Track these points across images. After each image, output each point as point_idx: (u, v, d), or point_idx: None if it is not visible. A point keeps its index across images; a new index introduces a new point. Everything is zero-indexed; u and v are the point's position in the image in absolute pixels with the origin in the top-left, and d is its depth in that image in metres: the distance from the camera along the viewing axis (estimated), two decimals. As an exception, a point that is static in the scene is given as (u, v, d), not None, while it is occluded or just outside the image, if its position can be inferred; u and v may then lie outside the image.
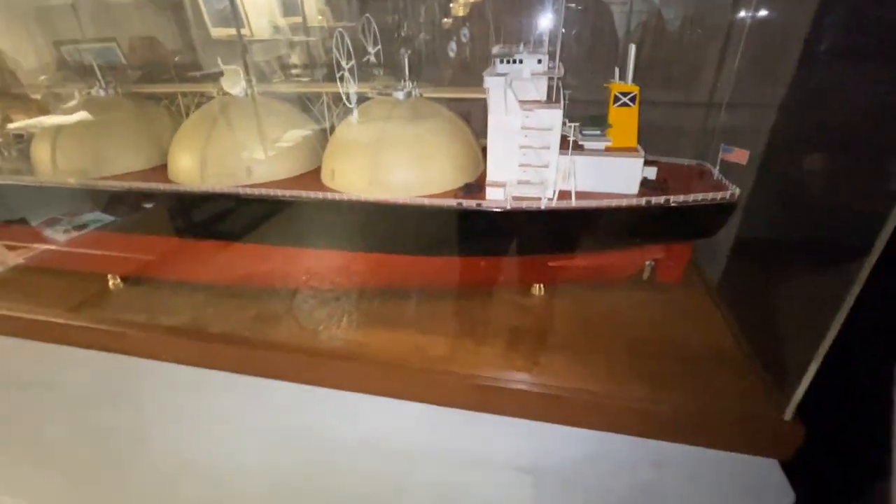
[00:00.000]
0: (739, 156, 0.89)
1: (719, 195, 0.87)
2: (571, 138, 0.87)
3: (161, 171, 1.14)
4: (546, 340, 0.99)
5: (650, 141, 1.13)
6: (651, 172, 0.94)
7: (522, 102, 0.82)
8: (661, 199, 0.86)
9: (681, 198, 0.86)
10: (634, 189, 0.88)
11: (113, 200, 1.15)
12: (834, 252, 0.74)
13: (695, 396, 0.84)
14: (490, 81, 0.80)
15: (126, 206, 1.13)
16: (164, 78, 1.31)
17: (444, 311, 1.07)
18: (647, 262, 1.05)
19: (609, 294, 1.09)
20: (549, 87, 0.87)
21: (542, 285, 1.10)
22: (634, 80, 0.90)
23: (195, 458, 1.18)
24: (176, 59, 1.32)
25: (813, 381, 0.76)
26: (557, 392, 0.87)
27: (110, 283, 1.21)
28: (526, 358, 0.94)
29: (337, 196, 0.95)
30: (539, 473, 0.91)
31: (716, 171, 0.95)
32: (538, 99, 0.85)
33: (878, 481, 0.69)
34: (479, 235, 0.91)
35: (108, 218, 1.25)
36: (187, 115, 1.25)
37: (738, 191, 0.88)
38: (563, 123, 0.86)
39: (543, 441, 0.90)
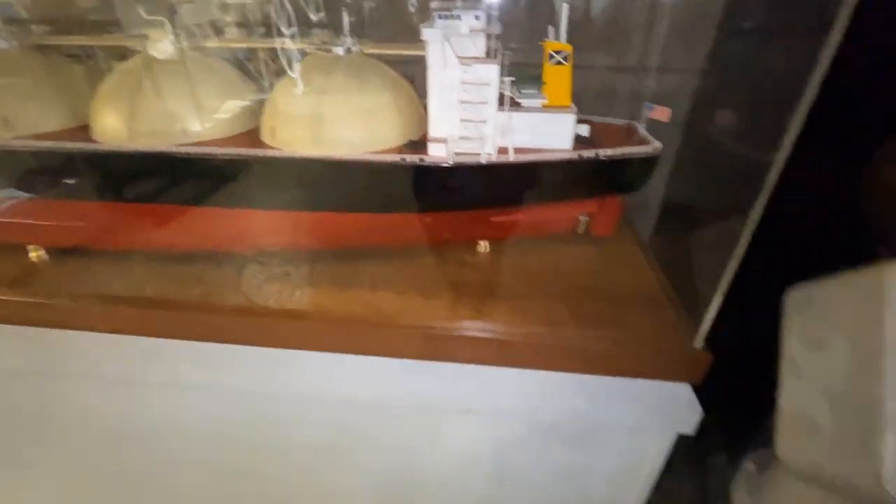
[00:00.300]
0: (662, 113, 0.96)
1: (643, 150, 0.95)
2: (508, 95, 0.91)
3: (80, 131, 1.06)
4: (491, 292, 1.04)
5: (586, 103, 1.19)
6: (584, 130, 1.00)
7: (461, 58, 0.84)
8: (592, 154, 0.92)
9: (609, 151, 0.92)
10: (568, 144, 0.93)
11: (25, 163, 1.06)
12: (735, 199, 0.84)
13: (622, 334, 0.93)
14: (428, 34, 0.82)
15: (42, 169, 1.05)
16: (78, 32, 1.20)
17: (394, 270, 1.09)
18: (582, 217, 1.13)
19: (549, 248, 1.16)
20: (488, 46, 0.89)
21: (486, 242, 1.15)
22: (571, 43, 0.94)
23: (140, 427, 1.16)
24: (91, 14, 1.21)
25: (718, 314, 0.88)
26: (501, 336, 0.92)
27: (32, 255, 1.13)
28: (472, 308, 0.99)
29: (278, 153, 0.94)
30: (485, 412, 0.99)
31: (642, 129, 1.02)
32: (476, 55, 0.87)
33: (766, 392, 0.82)
34: (424, 192, 0.94)
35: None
36: (109, 71, 1.16)
37: (660, 145, 0.96)
38: (501, 81, 0.90)
39: (489, 383, 0.96)
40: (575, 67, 1.01)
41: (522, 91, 0.97)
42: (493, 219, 1.05)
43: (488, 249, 1.16)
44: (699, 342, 0.87)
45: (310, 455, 1.16)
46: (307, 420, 1.09)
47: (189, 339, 1.01)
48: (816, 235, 1.03)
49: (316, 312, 0.98)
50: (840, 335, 0.67)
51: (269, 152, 0.93)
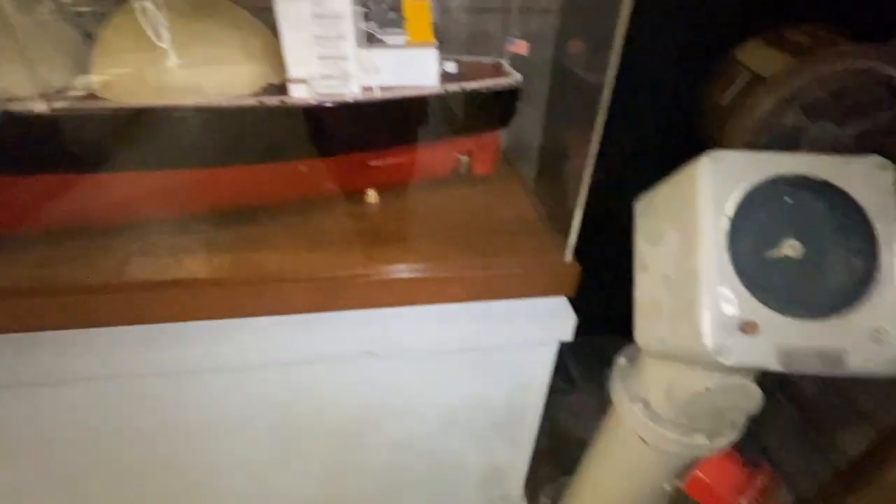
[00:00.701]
0: (521, 46, 1.01)
1: (504, 81, 0.99)
2: (365, 29, 0.88)
3: None
4: (380, 238, 1.04)
5: (457, 44, 1.20)
6: (452, 67, 1.02)
7: (310, -11, 0.80)
8: (457, 87, 0.94)
9: (473, 84, 0.96)
10: (435, 81, 0.94)
11: None
12: (587, 122, 0.92)
13: (504, 260, 0.99)
14: (269, -37, 0.76)
15: None
16: None
17: (280, 228, 1.04)
18: (462, 158, 1.17)
19: (434, 191, 1.18)
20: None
21: (375, 192, 1.15)
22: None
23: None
24: None
25: (581, 229, 0.97)
26: (391, 278, 0.94)
27: None
28: (362, 255, 0.99)
29: (113, 105, 0.83)
30: (387, 355, 1.01)
31: (507, 65, 1.07)
32: (328, -12, 0.84)
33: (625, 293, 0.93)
34: (290, 138, 0.90)
35: None
36: None
37: (520, 77, 1.02)
38: (366, 18, 0.87)
39: (388, 326, 0.98)
40: (444, 8, 1.02)
41: (384, 28, 0.95)
42: (371, 164, 1.03)
43: (377, 199, 1.15)
44: (568, 256, 0.96)
45: (214, 431, 1.11)
46: (207, 395, 1.04)
47: (51, 328, 0.89)
48: (660, 152, 1.17)
49: (194, 280, 0.91)
50: (670, 226, 0.78)
51: (103, 104, 0.82)
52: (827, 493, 1.28)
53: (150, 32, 0.82)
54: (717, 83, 1.22)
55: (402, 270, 0.95)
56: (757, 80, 1.07)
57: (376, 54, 0.91)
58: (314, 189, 1.05)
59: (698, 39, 1.28)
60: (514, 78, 0.99)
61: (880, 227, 0.66)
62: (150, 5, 0.83)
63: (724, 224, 0.67)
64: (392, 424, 1.18)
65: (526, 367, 1.05)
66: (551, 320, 0.97)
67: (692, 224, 0.70)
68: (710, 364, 0.69)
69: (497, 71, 1.06)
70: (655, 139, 1.47)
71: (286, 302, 0.94)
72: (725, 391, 0.80)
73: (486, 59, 1.12)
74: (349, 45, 0.84)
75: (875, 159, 0.68)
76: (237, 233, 1.02)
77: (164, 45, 0.83)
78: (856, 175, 0.68)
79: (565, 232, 0.99)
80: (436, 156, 1.10)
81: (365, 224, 1.10)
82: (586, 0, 1.14)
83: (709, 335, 0.65)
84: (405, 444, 1.24)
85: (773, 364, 0.64)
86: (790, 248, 0.69)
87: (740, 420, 0.89)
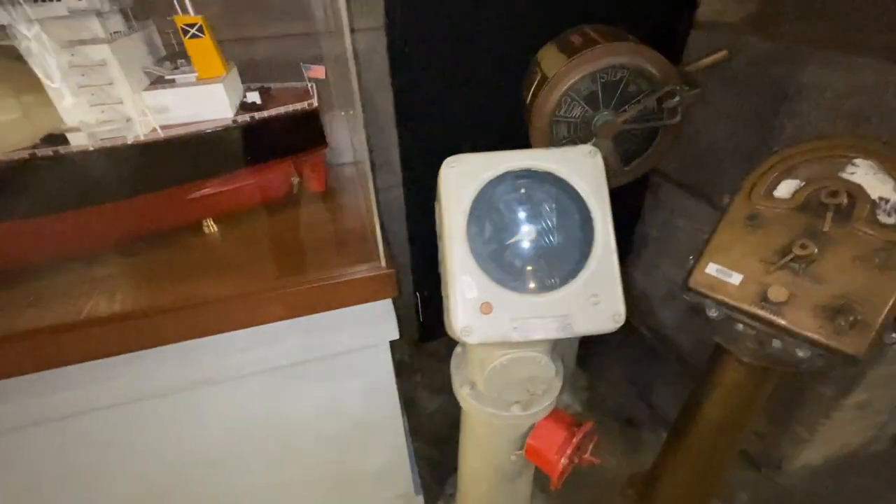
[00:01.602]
0: (317, 72, 1.07)
1: (299, 106, 1.05)
2: (148, 72, 0.92)
3: None
4: (215, 265, 1.07)
5: (270, 71, 1.24)
6: (255, 97, 1.06)
7: (70, 41, 0.82)
8: (247, 117, 0.99)
9: (265, 113, 1.01)
10: (228, 112, 0.98)
11: None
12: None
13: (329, 272, 1.04)
14: (12, 21, 0.78)
15: None
16: None
17: (111, 269, 1.05)
18: (294, 179, 1.22)
19: (273, 214, 1.23)
20: (106, 24, 0.88)
21: (211, 221, 1.17)
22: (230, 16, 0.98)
23: None
24: None
25: (384, 236, 1.05)
26: (227, 302, 0.97)
27: None
28: (206, 280, 1.01)
29: None
30: (231, 379, 1.04)
31: (310, 88, 1.12)
32: (95, 36, 0.86)
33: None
34: (79, 184, 0.91)
35: None
36: None
37: (315, 102, 1.08)
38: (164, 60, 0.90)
39: (228, 351, 1.02)
40: (265, 38, 1.06)
41: (180, 67, 0.98)
42: (192, 196, 1.06)
43: (216, 229, 1.18)
44: (383, 262, 1.03)
45: (96, 474, 1.09)
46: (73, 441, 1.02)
47: None
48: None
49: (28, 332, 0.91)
50: (440, 227, 0.86)
51: None
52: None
53: None
54: (524, 84, 1.34)
55: (237, 295, 0.98)
56: (544, 80, 1.19)
57: (165, 94, 0.94)
58: (138, 227, 1.06)
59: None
60: (307, 103, 1.05)
61: (593, 207, 0.77)
62: None
63: (462, 220, 0.76)
64: (266, 444, 1.21)
65: (367, 368, 1.11)
66: (377, 323, 1.04)
67: (442, 222, 0.78)
68: (500, 344, 0.77)
69: (305, 95, 1.12)
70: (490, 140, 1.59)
71: (100, 346, 0.95)
72: (519, 363, 0.89)
73: (299, 85, 1.17)
74: (123, 89, 0.87)
75: (584, 148, 0.79)
76: (74, 278, 1.02)
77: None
78: (572, 163, 0.79)
79: (386, 240, 1.07)
80: (263, 180, 1.14)
81: (205, 253, 1.12)
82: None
83: (458, 319, 0.73)
84: (286, 459, 1.27)
85: (513, 336, 0.73)
86: (526, 233, 0.78)
87: (543, 388, 0.99)
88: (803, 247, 0.80)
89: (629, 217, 2.16)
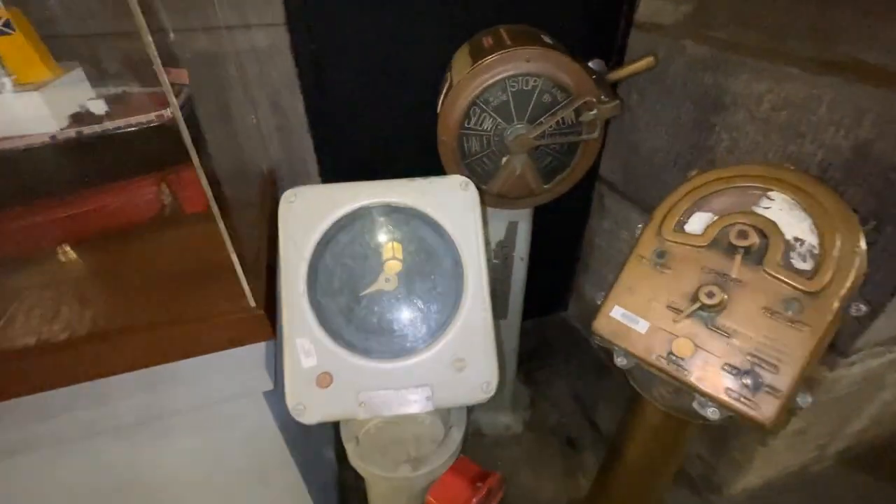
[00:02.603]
0: (179, 75, 0.92)
1: (144, 118, 0.89)
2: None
3: None
4: (77, 300, 0.91)
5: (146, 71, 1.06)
6: (99, 106, 0.89)
7: None
8: (72, 132, 0.83)
9: (97, 127, 0.85)
10: (53, 125, 0.82)
11: None
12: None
13: (197, 312, 0.89)
14: None
15: None
16: None
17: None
18: (165, 198, 1.06)
19: (136, 240, 1.06)
20: None
21: (66, 247, 1.00)
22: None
23: None
24: None
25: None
26: (70, 353, 0.82)
27: None
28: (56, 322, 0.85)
29: None
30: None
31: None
32: None
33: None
34: None
35: None
36: None
37: (168, 112, 0.92)
38: None
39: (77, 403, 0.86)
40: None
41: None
42: (29, 221, 0.89)
43: (73, 255, 1.01)
44: (251, 301, 0.88)
45: None
46: None
47: None
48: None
49: None
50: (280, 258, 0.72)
51: None
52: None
53: None
54: (440, 90, 1.21)
55: (81, 343, 0.83)
56: (451, 87, 1.05)
57: (-36, 104, 0.77)
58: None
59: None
60: (156, 114, 0.89)
61: (463, 251, 0.65)
62: None
63: (303, 269, 0.62)
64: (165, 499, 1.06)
65: (245, 418, 0.97)
66: (245, 372, 0.90)
67: (280, 272, 0.65)
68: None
69: (162, 102, 0.96)
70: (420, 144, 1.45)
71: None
72: (396, 427, 0.77)
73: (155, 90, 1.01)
74: None
75: (455, 180, 0.66)
76: None
77: None
78: (440, 197, 0.66)
79: (259, 275, 0.92)
80: (116, 202, 0.97)
81: (60, 288, 0.96)
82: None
83: (289, 394, 0.60)
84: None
85: (359, 413, 0.61)
86: (385, 281, 0.65)
87: (432, 447, 0.87)
88: (710, 295, 0.69)
89: (577, 222, 2.06)
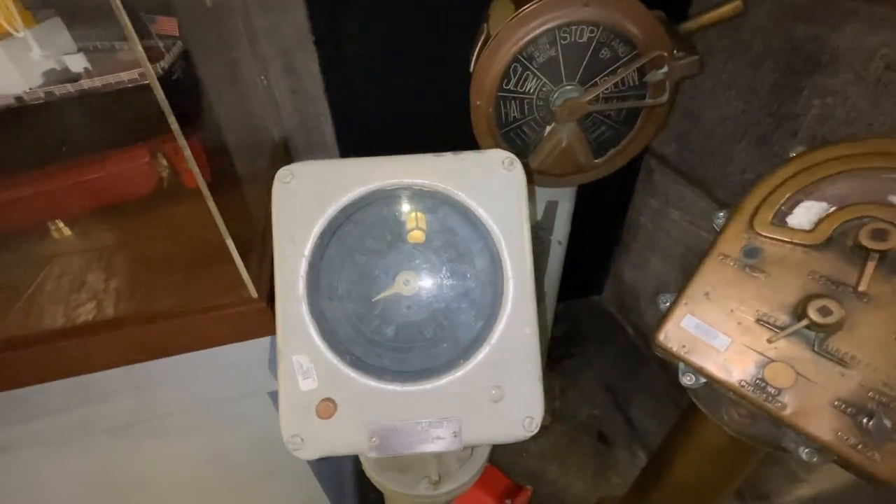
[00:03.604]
0: (167, 25, 0.78)
1: (126, 76, 0.76)
2: None
3: None
4: (75, 283, 0.83)
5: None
6: (77, 62, 0.77)
7: None
8: (41, 93, 0.71)
9: (70, 87, 0.72)
10: (20, 84, 0.70)
11: None
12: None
13: (195, 302, 0.80)
14: None
15: None
16: None
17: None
18: (162, 172, 0.94)
19: (137, 215, 0.96)
20: None
21: (61, 223, 0.92)
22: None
23: None
24: None
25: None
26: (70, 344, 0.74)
27: None
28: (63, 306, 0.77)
29: None
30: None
31: (163, 47, 0.83)
32: None
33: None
34: None
35: None
36: None
37: (167, 66, 0.79)
38: None
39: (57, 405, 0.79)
40: None
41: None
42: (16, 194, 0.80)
43: (69, 232, 0.93)
44: (252, 292, 0.77)
45: None
46: None
47: None
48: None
49: None
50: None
51: None
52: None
53: None
54: (472, 46, 1.03)
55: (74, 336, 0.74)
56: (488, 40, 0.88)
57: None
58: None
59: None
60: (138, 70, 0.76)
61: (504, 246, 0.51)
62: None
63: (301, 268, 0.50)
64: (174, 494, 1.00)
65: (250, 418, 0.89)
66: (247, 369, 0.80)
67: (275, 269, 0.52)
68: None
69: (154, 57, 0.83)
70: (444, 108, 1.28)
71: None
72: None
73: (160, 44, 0.88)
74: None
75: (496, 155, 0.51)
76: None
77: None
78: (476, 178, 0.51)
79: (265, 260, 0.81)
80: (110, 173, 0.87)
81: (56, 267, 0.87)
82: None
83: (284, 425, 0.49)
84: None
85: (369, 452, 0.49)
86: (403, 283, 0.52)
87: (457, 465, 0.76)
88: (824, 312, 0.53)
89: (619, 199, 1.87)
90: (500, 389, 0.49)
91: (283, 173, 0.50)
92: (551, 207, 1.13)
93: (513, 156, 0.51)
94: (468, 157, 0.51)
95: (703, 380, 0.64)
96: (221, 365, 0.80)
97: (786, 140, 1.16)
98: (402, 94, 1.32)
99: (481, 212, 0.50)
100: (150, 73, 0.53)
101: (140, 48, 0.53)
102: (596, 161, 0.95)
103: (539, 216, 1.16)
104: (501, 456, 1.65)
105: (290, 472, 1.01)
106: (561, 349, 1.99)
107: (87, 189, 0.86)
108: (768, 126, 1.19)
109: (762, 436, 0.69)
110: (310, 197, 0.50)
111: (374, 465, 0.75)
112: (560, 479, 1.59)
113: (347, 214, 0.51)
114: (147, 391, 0.77)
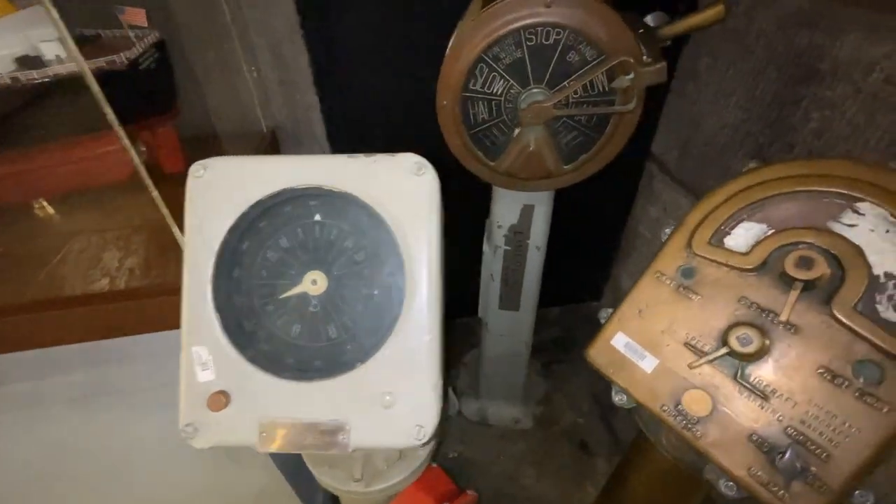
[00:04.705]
0: (135, 15, 0.80)
1: (92, 64, 0.79)
2: None
3: None
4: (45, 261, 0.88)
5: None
6: (51, 49, 0.80)
7: None
8: (7, 79, 0.74)
9: (34, 74, 0.75)
10: (-3, 68, 0.74)
11: None
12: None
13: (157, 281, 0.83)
14: None
15: None
16: None
17: None
18: (136, 157, 0.98)
19: (114, 200, 1.00)
20: None
21: (43, 202, 0.97)
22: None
23: None
24: None
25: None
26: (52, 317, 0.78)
27: None
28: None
29: None
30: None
31: (133, 37, 0.85)
32: None
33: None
34: None
35: None
36: None
37: (123, 57, 0.81)
38: None
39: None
40: None
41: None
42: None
43: (52, 210, 0.98)
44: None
45: None
46: None
47: None
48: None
49: None
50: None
51: None
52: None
53: None
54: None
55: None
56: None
57: None
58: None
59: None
60: (106, 59, 0.78)
61: (408, 251, 0.50)
62: None
63: (209, 261, 0.51)
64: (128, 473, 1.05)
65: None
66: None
67: (182, 261, 0.53)
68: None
69: (130, 45, 0.85)
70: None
71: None
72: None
73: (141, 32, 0.90)
74: None
75: (406, 160, 0.51)
76: None
77: None
78: (385, 182, 0.51)
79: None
80: (84, 158, 0.90)
81: (42, 243, 0.93)
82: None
83: (182, 412, 0.50)
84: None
85: (258, 446, 0.50)
86: (311, 283, 0.52)
87: (383, 465, 0.76)
88: (744, 341, 0.50)
89: (621, 203, 1.81)
90: (392, 395, 0.48)
91: (195, 168, 0.51)
92: (527, 211, 1.11)
93: (423, 161, 0.50)
94: (380, 159, 0.51)
95: (633, 402, 0.62)
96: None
97: (783, 153, 1.10)
98: (392, 86, 1.32)
99: (388, 216, 0.50)
100: (80, 64, 0.54)
101: (72, 43, 0.55)
102: (566, 167, 0.93)
103: (515, 220, 1.14)
104: (477, 456, 1.65)
105: (248, 459, 1.04)
106: (551, 354, 1.96)
107: (59, 173, 0.90)
108: (766, 137, 1.13)
109: (696, 465, 0.66)
110: (222, 192, 0.51)
111: (309, 459, 0.76)
112: (535, 485, 1.57)
113: (260, 211, 0.52)
114: (100, 367, 0.81)
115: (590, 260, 1.99)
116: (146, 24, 0.82)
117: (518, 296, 1.31)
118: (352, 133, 1.40)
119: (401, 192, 0.50)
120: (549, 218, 1.14)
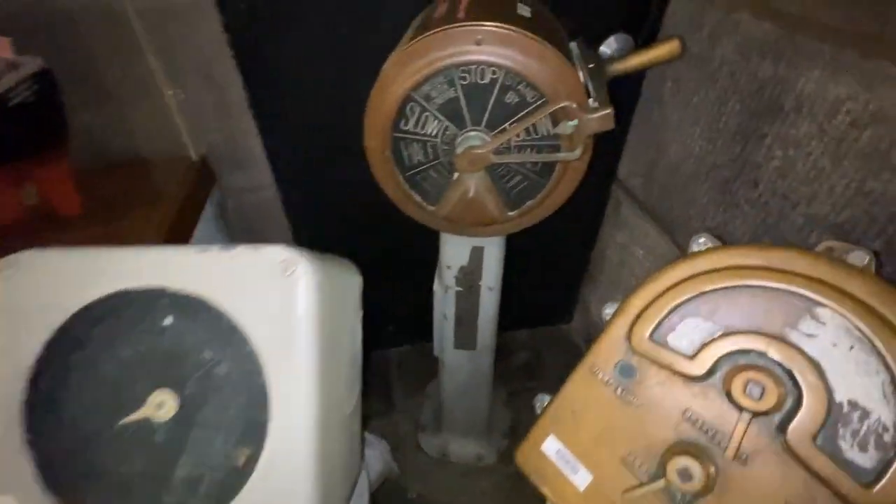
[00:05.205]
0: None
1: None
2: None
3: None
4: None
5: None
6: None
7: None
8: None
9: None
10: None
11: None
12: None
13: None
14: None
15: None
16: None
17: None
18: (27, 198, 0.86)
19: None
20: None
21: None
22: None
23: None
24: None
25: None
26: None
27: None
28: None
29: None
30: None
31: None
32: None
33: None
34: None
35: None
36: None
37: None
38: None
39: None
40: None
41: None
42: None
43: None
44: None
45: None
46: None
47: None
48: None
49: None
50: None
51: None
52: None
53: None
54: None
55: None
56: (382, 73, 0.77)
57: None
58: None
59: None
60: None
61: (272, 370, 0.40)
62: None
63: (19, 385, 0.40)
64: None
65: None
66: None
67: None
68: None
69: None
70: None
71: None
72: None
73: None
74: None
75: (273, 255, 0.41)
76: None
77: None
78: (244, 284, 0.41)
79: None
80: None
81: None
82: None
83: None
84: None
85: None
86: (156, 406, 0.42)
87: None
88: (685, 475, 0.42)
89: (588, 227, 1.74)
90: (251, 556, 0.39)
91: (14, 261, 0.40)
92: (477, 253, 1.02)
93: (295, 256, 0.40)
94: (240, 254, 0.41)
95: (569, 509, 0.54)
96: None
97: (747, 189, 1.03)
98: (334, 103, 1.21)
99: (247, 327, 0.40)
100: None
101: None
102: (510, 213, 0.84)
103: (465, 261, 1.05)
104: (438, 497, 1.56)
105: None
106: (518, 382, 1.88)
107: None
108: (730, 171, 1.06)
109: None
110: (38, 296, 0.40)
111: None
112: (497, 527, 1.49)
113: (90, 319, 0.41)
114: None
115: (559, 280, 1.92)
116: (9, 55, 0.70)
117: (474, 335, 1.23)
118: (294, 153, 1.29)
119: (266, 298, 0.40)
120: (502, 258, 1.05)
